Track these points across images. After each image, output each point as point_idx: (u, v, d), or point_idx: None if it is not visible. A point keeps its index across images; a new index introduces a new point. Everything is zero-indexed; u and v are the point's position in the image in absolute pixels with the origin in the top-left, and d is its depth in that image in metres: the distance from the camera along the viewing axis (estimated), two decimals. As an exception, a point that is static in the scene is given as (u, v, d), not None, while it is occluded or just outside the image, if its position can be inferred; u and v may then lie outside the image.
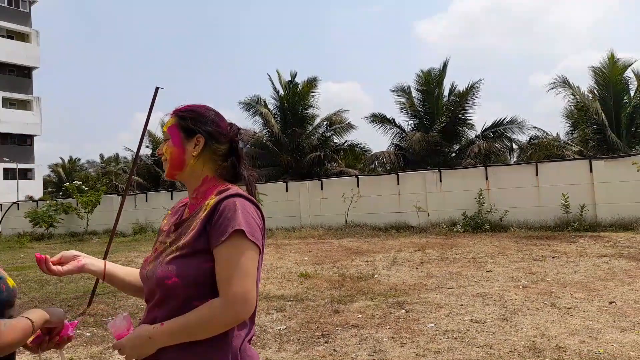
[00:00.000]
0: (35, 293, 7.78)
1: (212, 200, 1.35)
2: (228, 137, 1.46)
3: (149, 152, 32.07)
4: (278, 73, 25.42)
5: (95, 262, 1.53)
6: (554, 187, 13.70)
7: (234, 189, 1.39)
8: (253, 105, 25.10)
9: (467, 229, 13.83)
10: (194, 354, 1.27)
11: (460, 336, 4.60)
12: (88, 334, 5.17)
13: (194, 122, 1.43)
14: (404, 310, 5.64)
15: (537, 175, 14.19)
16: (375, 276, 7.85)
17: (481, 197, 14.37)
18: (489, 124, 22.20)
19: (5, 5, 36.61)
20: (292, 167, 23.75)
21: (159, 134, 31.71)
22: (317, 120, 25.43)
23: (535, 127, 21.78)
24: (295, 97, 25.01)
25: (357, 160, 25.98)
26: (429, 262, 9.14)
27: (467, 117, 22.32)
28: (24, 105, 37.81)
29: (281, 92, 25.41)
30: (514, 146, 22.39)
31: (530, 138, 22.04)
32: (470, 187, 14.78)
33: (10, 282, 1.37)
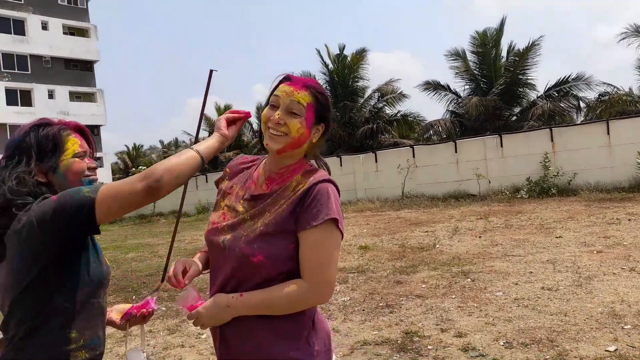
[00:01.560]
0: (113, 272, 8.35)
1: (302, 181, 1.35)
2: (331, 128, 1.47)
3: (206, 134, 33.11)
4: (326, 47, 25.13)
5: (197, 264, 1.49)
6: (627, 146, 12.73)
7: (322, 172, 1.39)
8: (303, 82, 25.05)
9: (532, 194, 13.22)
10: (270, 322, 1.30)
11: (531, 304, 4.44)
12: (163, 308, 5.48)
13: (326, 109, 1.40)
14: (469, 280, 5.51)
15: (608, 133, 13.24)
16: (437, 246, 7.72)
17: (547, 160, 13.63)
18: (552, 82, 20.86)
19: (65, 3, 38.52)
20: (344, 141, 23.63)
21: (213, 116, 32.60)
22: (368, 92, 25.01)
23: (605, 83, 20.20)
24: (344, 70, 24.67)
25: (411, 131, 25.39)
26: (492, 230, 8.85)
27: (528, 77, 21.04)
28: (89, 97, 39.99)
29: (330, 66, 25.15)
30: (581, 105, 20.92)
31: (599, 95, 20.50)
32: (534, 151, 14.06)
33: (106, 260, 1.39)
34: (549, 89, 20.73)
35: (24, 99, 36.02)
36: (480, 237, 8.24)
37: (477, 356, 3.40)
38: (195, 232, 14.16)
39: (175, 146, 43.05)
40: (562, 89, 20.22)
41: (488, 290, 5.00)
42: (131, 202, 1.19)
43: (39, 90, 36.51)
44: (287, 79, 1.40)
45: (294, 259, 1.30)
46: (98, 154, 40.21)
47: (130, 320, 1.52)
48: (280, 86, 1.39)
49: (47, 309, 1.20)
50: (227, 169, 1.55)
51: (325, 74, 25.39)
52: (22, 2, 36.05)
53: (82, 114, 38.73)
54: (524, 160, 14.28)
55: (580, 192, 12.70)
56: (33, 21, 36.43)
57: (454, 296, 4.92)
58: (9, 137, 1.29)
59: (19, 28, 35.96)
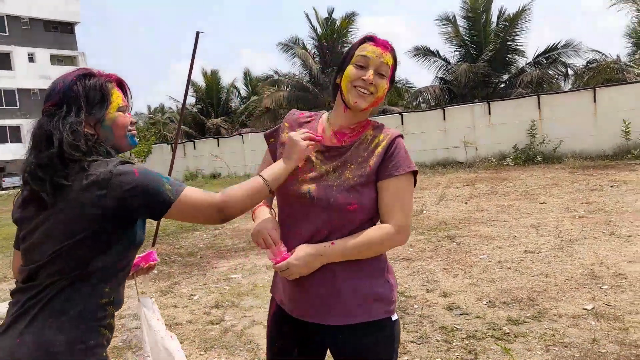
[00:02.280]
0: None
1: (380, 135, 1.46)
2: None
3: (192, 100, 32.62)
4: (315, 10, 24.66)
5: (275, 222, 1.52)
6: (613, 114, 12.88)
7: (389, 128, 1.51)
8: (291, 47, 24.63)
9: (518, 162, 13.41)
10: (355, 265, 1.42)
11: (514, 266, 4.60)
12: (155, 272, 5.55)
13: (395, 70, 1.49)
14: (455, 243, 5.66)
15: (594, 101, 13.35)
16: (424, 212, 7.86)
17: (533, 128, 13.77)
18: (541, 49, 20.78)
19: (42, -40, 36.82)
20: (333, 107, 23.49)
21: (200, 81, 32.03)
22: (357, 58, 24.67)
23: (593, 50, 20.19)
24: (333, 35, 24.26)
25: (400, 97, 25.29)
26: (478, 196, 9.01)
27: (517, 44, 20.91)
28: (70, 61, 38.88)
29: (319, 30, 24.69)
30: (569, 72, 20.95)
31: (587, 62, 20.52)
32: (522, 118, 14.16)
33: None
34: (538, 55, 20.67)
35: (3, 62, 34.87)
36: (466, 203, 8.40)
37: (461, 314, 3.54)
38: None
39: (161, 112, 42.33)
40: (551, 55, 20.18)
41: (473, 254, 5.15)
42: (197, 221, 1.29)
43: (18, 54, 35.34)
44: (371, 39, 1.46)
45: (376, 207, 1.43)
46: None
47: (137, 271, 1.59)
48: (365, 46, 1.44)
49: (93, 265, 1.22)
50: (286, 123, 1.59)
51: (314, 39, 24.96)
52: (-3, -42, 34.40)
53: (64, 78, 37.59)
54: (511, 127, 14.39)
55: (565, 160, 12.91)
56: (9, -21, 34.87)
57: (439, 259, 5.07)
58: (53, 85, 1.25)
59: (-7, -13, 34.43)
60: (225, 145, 21.71)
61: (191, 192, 1.26)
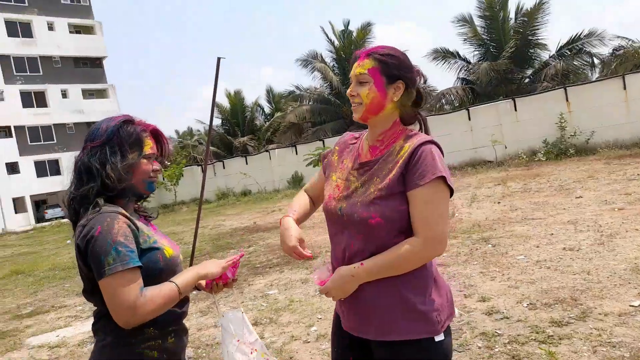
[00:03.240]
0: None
1: (406, 145, 1.42)
2: (418, 82, 1.50)
3: (219, 122, 33.30)
4: (331, 24, 24.86)
5: (296, 228, 1.59)
6: (646, 100, 12.44)
7: (422, 134, 1.47)
8: (310, 62, 24.88)
9: (549, 156, 13.09)
10: (394, 283, 1.39)
11: (553, 265, 4.49)
12: (194, 292, 5.68)
13: (396, 68, 1.44)
14: (490, 245, 5.57)
15: (624, 88, 12.94)
16: (456, 215, 7.76)
17: (562, 121, 13.43)
18: (564, 41, 20.33)
19: (68, 2, 38.60)
20: (357, 117, 23.52)
21: (225, 103, 32.70)
22: (377, 67, 24.69)
23: (619, 37, 19.64)
24: (351, 46, 24.39)
25: (422, 107, 25.06)
26: (511, 195, 8.84)
27: (539, 37, 20.53)
28: (101, 94, 40.37)
29: (336, 43, 24.90)
30: (595, 61, 20.38)
31: (613, 50, 19.93)
32: (550, 112, 13.85)
33: (168, 252, 1.44)
34: (561, 47, 20.22)
35: (38, 100, 36.53)
36: (499, 202, 8.25)
37: (502, 318, 3.48)
38: (217, 217, 14.42)
39: (190, 136, 43.35)
40: (575, 46, 19.70)
41: (509, 255, 5.06)
42: (110, 308, 1.29)
43: (52, 91, 36.95)
44: (357, 57, 1.50)
45: (407, 219, 1.38)
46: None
47: (212, 288, 1.63)
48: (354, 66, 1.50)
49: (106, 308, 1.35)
50: (336, 147, 1.66)
51: (331, 52, 25.17)
52: (27, 4, 36.24)
53: (96, 110, 39.18)
54: (539, 122, 14.08)
55: (599, 151, 12.52)
56: (39, 22, 36.65)
57: (475, 262, 4.99)
58: (97, 126, 1.38)
59: (26, 31, 36.24)
60: (253, 162, 22.02)
61: (121, 280, 1.26)
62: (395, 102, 1.45)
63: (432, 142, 1.41)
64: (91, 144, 1.41)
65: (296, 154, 20.31)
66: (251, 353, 1.53)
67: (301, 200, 1.73)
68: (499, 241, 5.69)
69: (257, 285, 5.62)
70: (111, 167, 1.36)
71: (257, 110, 34.29)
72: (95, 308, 1.41)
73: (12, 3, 35.66)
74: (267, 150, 22.82)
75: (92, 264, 1.29)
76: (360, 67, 1.46)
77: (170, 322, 1.43)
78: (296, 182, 19.84)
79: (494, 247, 5.46)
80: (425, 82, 1.55)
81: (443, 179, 1.36)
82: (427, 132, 1.53)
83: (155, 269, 1.37)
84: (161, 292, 1.32)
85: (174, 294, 1.35)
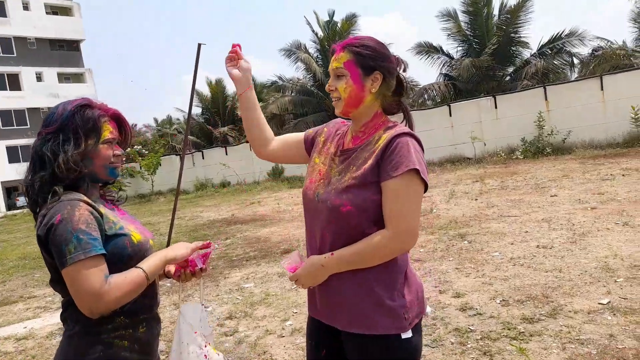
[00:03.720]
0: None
1: (384, 136, 1.40)
2: (397, 72, 1.47)
3: (199, 110, 32.84)
4: (315, 14, 24.73)
5: (245, 81, 1.64)
6: (622, 101, 12.73)
7: (402, 126, 1.45)
8: (294, 52, 24.68)
9: (527, 155, 13.30)
10: (363, 275, 1.38)
11: (527, 262, 4.55)
12: (168, 284, 5.59)
13: (372, 58, 1.41)
14: (466, 242, 5.63)
15: (602, 89, 13.20)
16: (434, 211, 7.82)
17: (541, 119, 13.65)
18: (545, 39, 20.62)
19: (45, -19, 37.40)
20: (339, 109, 23.51)
21: (205, 91, 32.26)
22: (360, 59, 24.67)
23: (599, 37, 20.03)
24: (335, 37, 24.23)
25: (405, 96, 25.16)
26: (488, 192, 8.95)
27: (521, 35, 20.77)
28: (78, 78, 39.40)
29: (320, 33, 24.73)
30: (575, 61, 20.75)
31: (592, 50, 20.31)
32: (529, 111, 14.05)
33: (136, 237, 1.39)
34: (542, 46, 20.51)
35: (12, 83, 35.42)
36: (476, 199, 8.35)
37: (475, 315, 3.51)
38: (195, 208, 14.25)
39: (169, 124, 42.65)
40: (556, 45, 20.01)
41: (485, 252, 5.11)
42: (75, 300, 1.25)
43: (26, 73, 35.87)
44: (334, 50, 1.47)
45: (381, 210, 1.36)
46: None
47: (180, 275, 1.56)
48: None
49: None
50: (325, 128, 1.64)
51: (315, 42, 24.99)
52: (0, -18, 35.00)
53: (72, 94, 37.77)
54: (518, 120, 14.28)
55: (575, 150, 12.77)
56: (13, 1, 35.43)
57: (451, 258, 5.04)
58: (53, 111, 1.32)
59: (-1, 10, 35.01)
60: (233, 153, 21.80)
61: (83, 268, 1.22)
62: (374, 94, 1.43)
63: (409, 134, 1.39)
64: (45, 129, 1.35)
65: (277, 145, 20.13)
66: (205, 346, 1.50)
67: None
68: (475, 238, 5.75)
69: (233, 278, 5.56)
70: (63, 157, 1.31)
71: (238, 100, 33.95)
72: (64, 297, 1.37)
73: (-14, -19, 34.41)
74: (247, 141, 22.59)
75: (53, 253, 1.25)
76: (336, 61, 1.44)
77: (141, 311, 1.39)
78: (276, 174, 19.74)
79: (470, 244, 5.51)
80: (405, 69, 1.51)
81: (417, 172, 1.33)
82: (410, 121, 1.51)
83: (123, 255, 1.33)
84: (127, 279, 1.28)
85: (141, 279, 1.31)
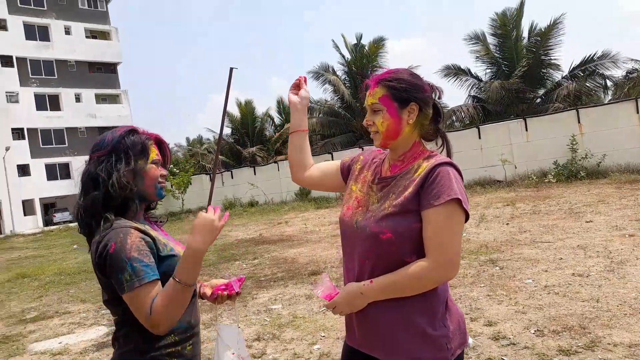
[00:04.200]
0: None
1: (424, 165, 1.41)
2: (433, 100, 1.50)
3: (228, 131, 33.48)
4: (343, 37, 25.01)
5: (304, 118, 1.71)
6: (659, 124, 12.33)
7: (442, 156, 1.46)
8: (321, 74, 25.04)
9: (560, 178, 12.98)
10: (404, 303, 1.38)
11: (562, 291, 4.42)
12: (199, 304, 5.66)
13: (406, 91, 1.44)
14: (497, 268, 5.51)
15: (637, 112, 12.85)
16: (464, 235, 7.70)
17: (574, 142, 13.34)
18: (577, 62, 20.30)
19: (86, 7, 39.33)
20: (366, 131, 23.53)
21: (235, 112, 32.93)
22: (388, 81, 24.81)
23: (633, 59, 19.56)
24: (362, 60, 24.54)
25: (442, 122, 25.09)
26: (520, 216, 8.76)
27: (552, 58, 20.53)
28: (114, 99, 40.88)
29: (348, 56, 25.06)
30: (609, 83, 20.31)
31: (627, 72, 19.86)
32: (561, 133, 13.77)
33: None
34: (574, 68, 20.19)
35: (52, 103, 37.05)
36: (507, 224, 8.18)
37: (508, 344, 3.43)
38: (224, 227, 14.40)
39: (200, 143, 43.61)
40: (588, 68, 19.66)
41: (517, 278, 4.99)
42: (139, 320, 1.33)
43: (66, 94, 37.48)
44: (367, 86, 1.52)
45: (420, 239, 1.36)
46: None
47: (217, 298, 1.63)
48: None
49: (130, 314, 1.36)
50: (361, 156, 1.67)
51: (343, 65, 25.31)
52: (45, 8, 36.95)
53: (109, 115, 39.62)
54: (550, 143, 14.00)
55: (610, 174, 12.40)
56: (56, 27, 37.33)
57: (482, 285, 4.94)
58: (103, 138, 1.44)
59: (43, 34, 36.93)
60: (262, 173, 22.07)
61: (138, 295, 1.29)
62: (411, 124, 1.46)
63: (450, 163, 1.40)
64: (98, 153, 1.45)
65: (304, 166, 20.29)
66: None
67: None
68: (507, 264, 5.62)
69: (261, 299, 5.59)
70: (117, 175, 1.39)
71: (267, 121, 34.47)
72: (116, 317, 1.44)
73: (32, 7, 36.39)
74: (275, 162, 22.88)
75: (111, 279, 1.33)
76: (371, 97, 1.47)
77: (189, 329, 1.46)
78: (304, 194, 19.84)
79: (502, 270, 5.40)
80: (440, 96, 1.53)
81: (459, 202, 1.33)
82: (448, 147, 1.53)
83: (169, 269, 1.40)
84: (163, 293, 1.31)
85: (176, 288, 1.31)
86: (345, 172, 1.69)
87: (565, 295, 4.30)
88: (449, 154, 1.51)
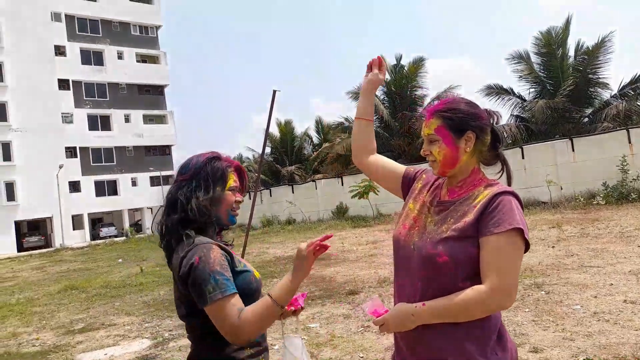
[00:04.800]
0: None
1: (485, 192, 1.42)
2: (490, 126, 1.50)
3: (268, 150, 34.10)
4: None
5: (368, 105, 1.79)
6: None
7: (503, 185, 1.46)
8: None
9: (609, 200, 12.41)
10: (455, 329, 1.36)
11: (612, 318, 4.21)
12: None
13: (462, 121, 1.45)
14: (543, 292, 5.31)
15: (694, 132, 12.18)
16: (507, 257, 7.46)
17: (625, 163, 12.76)
18: (626, 80, 19.52)
19: (137, 33, 41.54)
20: (404, 151, 23.42)
21: (275, 132, 33.55)
22: (427, 101, 24.67)
23: (688, 77, 18.60)
24: (402, 80, 24.55)
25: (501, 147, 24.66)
26: (567, 239, 8.42)
27: (600, 76, 19.81)
28: (160, 119, 42.65)
29: (387, 77, 25.13)
30: (661, 102, 19.37)
31: (681, 90, 18.89)
32: (610, 154, 13.22)
33: (256, 274, 1.56)
34: (624, 87, 19.41)
35: (103, 124, 39.06)
36: (553, 247, 7.88)
37: (555, 372, 3.29)
38: (262, 244, 14.60)
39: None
40: (638, 86, 18.85)
41: (564, 304, 4.79)
42: (219, 330, 1.38)
43: (116, 115, 39.47)
44: (423, 116, 1.55)
45: (476, 266, 1.35)
46: (170, 172, 42.70)
47: (283, 314, 1.67)
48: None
49: (210, 329, 1.42)
50: (424, 175, 1.67)
51: (382, 85, 25.37)
52: (100, 34, 39.31)
53: (154, 134, 41.29)
54: (598, 164, 13.45)
55: (665, 197, 11.76)
56: (110, 52, 39.58)
57: (527, 309, 4.77)
58: (187, 162, 1.60)
59: (98, 59, 39.23)
60: (299, 191, 22.28)
61: (222, 306, 1.35)
62: (469, 152, 1.46)
63: (512, 193, 1.40)
64: (181, 177, 1.54)
65: (342, 185, 20.38)
66: None
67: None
68: (553, 288, 5.41)
69: (299, 317, 5.60)
70: (195, 201, 1.47)
71: (305, 140, 34.88)
72: (194, 333, 1.50)
73: (88, 34, 38.79)
74: (313, 180, 23.06)
75: (192, 292, 1.39)
76: (427, 128, 1.49)
77: (262, 342, 1.53)
78: (340, 213, 19.82)
79: (548, 295, 5.19)
80: (498, 121, 1.54)
81: (520, 231, 1.32)
82: (508, 172, 1.53)
83: (251, 289, 1.48)
84: (256, 309, 1.37)
85: (269, 306, 1.38)
86: (407, 183, 1.68)
87: (617, 322, 4.09)
88: (509, 178, 1.51)
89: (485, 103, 22.56)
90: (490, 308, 1.33)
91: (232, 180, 1.57)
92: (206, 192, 1.50)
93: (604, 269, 6.03)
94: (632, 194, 12.24)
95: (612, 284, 5.27)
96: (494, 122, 1.52)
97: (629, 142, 13.12)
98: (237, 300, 1.38)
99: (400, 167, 1.74)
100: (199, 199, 1.48)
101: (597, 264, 6.34)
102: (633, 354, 3.42)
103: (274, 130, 33.68)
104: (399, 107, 24.25)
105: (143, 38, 41.91)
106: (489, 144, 1.50)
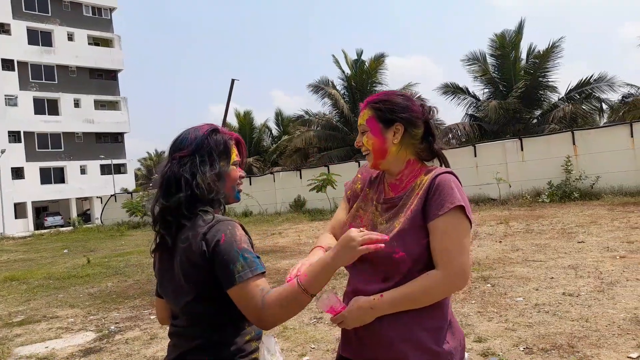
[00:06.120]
0: (138, 276, 8.57)
1: (425, 178, 1.42)
2: (422, 119, 1.50)
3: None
4: (344, 53, 25.24)
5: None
6: (653, 148, 12.48)
7: (440, 168, 1.47)
8: (321, 88, 25.23)
9: (553, 198, 13.06)
10: (407, 318, 1.36)
11: (552, 310, 4.43)
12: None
13: (390, 111, 1.46)
14: (489, 285, 5.52)
15: (632, 136, 13.01)
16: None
17: (569, 164, 13.46)
18: (573, 84, 20.57)
19: (90, 14, 39.62)
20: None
21: (234, 122, 33.07)
22: (387, 97, 25.06)
23: (628, 84, 19.84)
24: (362, 76, 24.78)
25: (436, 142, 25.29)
26: (513, 234, 8.79)
27: (549, 80, 20.82)
28: (113, 105, 40.98)
29: (348, 71, 25.28)
30: (604, 107, 20.57)
31: (622, 97, 20.13)
32: (556, 154, 13.90)
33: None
34: (571, 90, 20.46)
35: (51, 108, 37.07)
36: (500, 242, 8.21)
37: (497, 361, 3.42)
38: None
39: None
40: (584, 90, 19.93)
41: (508, 296, 5.00)
42: (244, 312, 1.28)
43: (65, 100, 37.54)
44: (360, 108, 1.56)
45: (430, 254, 1.36)
46: (122, 161, 41.20)
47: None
48: None
49: (222, 318, 1.33)
50: (359, 175, 1.67)
51: (342, 80, 25.52)
52: (50, 14, 37.20)
53: (107, 121, 39.62)
54: (545, 163, 14.11)
55: (603, 196, 12.49)
56: (60, 32, 37.55)
57: (473, 301, 4.94)
58: (184, 136, 1.42)
59: (46, 39, 37.13)
60: (257, 183, 22.09)
61: (251, 287, 1.25)
62: (397, 144, 1.46)
63: (449, 172, 1.41)
64: (179, 153, 1.40)
65: (300, 178, 20.38)
66: None
67: (327, 239, 1.64)
68: (498, 281, 5.63)
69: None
70: (201, 177, 1.35)
71: (264, 132, 34.61)
72: (198, 322, 1.35)
73: (36, 12, 36.63)
74: (271, 173, 22.91)
75: (219, 271, 1.26)
76: (360, 118, 1.52)
77: (261, 335, 1.42)
78: (298, 206, 19.83)
79: (493, 287, 5.40)
80: (432, 116, 1.53)
81: (462, 208, 1.34)
82: (446, 166, 1.53)
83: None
84: (281, 293, 1.26)
85: (297, 292, 1.26)
86: (353, 202, 1.64)
87: (555, 314, 4.31)
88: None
89: (442, 101, 23.13)
90: (446, 291, 1.35)
91: (235, 155, 1.46)
92: (212, 167, 1.37)
93: (545, 263, 6.33)
94: (574, 193, 12.92)
95: (552, 278, 5.54)
96: (430, 117, 1.52)
97: (574, 144, 13.83)
98: (263, 280, 1.28)
99: (344, 206, 1.67)
100: (205, 174, 1.35)
101: (539, 258, 6.66)
102: (568, 343, 3.62)
103: (233, 121, 33.21)
104: (358, 101, 24.44)
105: (96, 20, 40.05)
106: (421, 137, 1.50)
